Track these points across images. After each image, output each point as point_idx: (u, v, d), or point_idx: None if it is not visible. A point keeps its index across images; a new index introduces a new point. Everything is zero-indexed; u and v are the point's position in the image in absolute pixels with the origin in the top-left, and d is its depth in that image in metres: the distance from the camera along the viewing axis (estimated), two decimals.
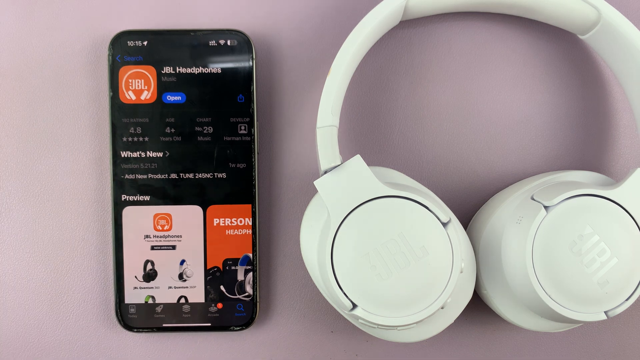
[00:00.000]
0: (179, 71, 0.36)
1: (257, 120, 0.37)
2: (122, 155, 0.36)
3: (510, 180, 0.38)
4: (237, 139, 0.37)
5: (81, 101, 0.38)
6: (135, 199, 0.36)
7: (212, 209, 0.37)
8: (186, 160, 0.36)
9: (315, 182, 0.31)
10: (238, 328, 0.37)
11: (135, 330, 0.37)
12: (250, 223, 0.37)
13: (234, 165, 0.37)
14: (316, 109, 0.37)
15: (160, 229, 0.37)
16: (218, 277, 0.37)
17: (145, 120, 0.36)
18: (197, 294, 0.37)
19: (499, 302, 0.34)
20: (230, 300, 0.37)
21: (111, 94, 0.36)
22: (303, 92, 0.38)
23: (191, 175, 0.37)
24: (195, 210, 0.37)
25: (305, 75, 0.38)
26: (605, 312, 0.31)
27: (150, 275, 0.37)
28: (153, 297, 0.37)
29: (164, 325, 0.37)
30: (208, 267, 0.37)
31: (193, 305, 0.37)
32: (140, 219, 0.37)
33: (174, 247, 0.37)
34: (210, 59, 0.36)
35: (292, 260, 0.38)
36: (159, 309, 0.37)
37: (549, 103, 0.38)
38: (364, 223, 0.31)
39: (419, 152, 0.38)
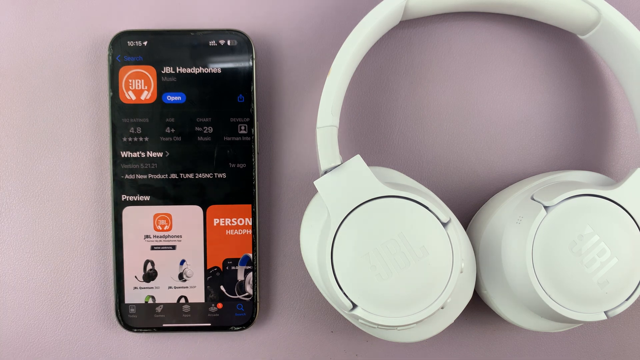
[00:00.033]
0: (179, 71, 0.36)
1: (257, 120, 0.37)
2: (122, 155, 0.36)
3: (510, 180, 0.38)
4: (237, 139, 0.37)
5: (81, 101, 0.38)
6: (135, 199, 0.36)
7: (212, 209, 0.37)
8: (186, 160, 0.36)
9: (315, 182, 0.31)
10: (238, 328, 0.37)
11: (135, 330, 0.37)
12: (250, 223, 0.37)
13: (234, 165, 0.37)
14: (316, 109, 0.37)
15: (160, 229, 0.37)
16: (218, 277, 0.37)
17: (145, 120, 0.36)
18: (197, 294, 0.37)
19: (499, 302, 0.34)
20: (230, 300, 0.37)
21: (111, 94, 0.36)
22: (303, 92, 0.38)
23: (191, 175, 0.37)
24: (195, 210, 0.37)
25: (305, 75, 0.38)
26: (605, 312, 0.31)
27: (150, 275, 0.37)
28: (153, 297, 0.37)
29: (164, 325, 0.37)
30: (208, 267, 0.37)
31: (193, 305, 0.37)
32: (140, 219, 0.37)
33: (174, 247, 0.37)
34: (210, 59, 0.36)
35: (292, 260, 0.38)
36: (159, 309, 0.37)
37: (549, 103, 0.38)
38: (364, 223, 0.31)
39: (419, 152, 0.38)
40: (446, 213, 0.33)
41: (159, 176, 0.36)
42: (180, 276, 0.37)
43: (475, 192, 0.38)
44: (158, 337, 0.38)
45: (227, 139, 0.36)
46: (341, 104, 0.33)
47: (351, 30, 0.33)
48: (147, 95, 0.36)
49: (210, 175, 0.37)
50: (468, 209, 0.38)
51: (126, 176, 0.36)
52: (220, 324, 0.37)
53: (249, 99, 0.36)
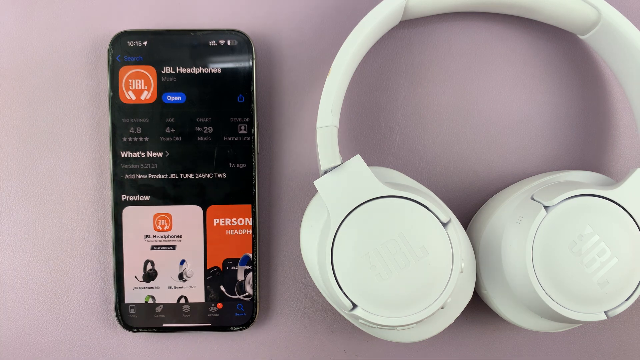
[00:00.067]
0: (179, 71, 0.36)
1: (257, 120, 0.37)
2: (122, 155, 0.36)
3: (510, 180, 0.38)
4: (237, 139, 0.37)
5: (81, 101, 0.38)
6: (135, 199, 0.36)
7: (212, 209, 0.37)
8: (186, 160, 0.36)
9: (315, 182, 0.31)
10: (238, 328, 0.37)
11: (135, 330, 0.37)
12: (250, 223, 0.37)
13: (234, 165, 0.37)
14: (316, 109, 0.37)
15: (160, 229, 0.37)
16: (218, 277, 0.37)
17: (145, 120, 0.36)
18: (197, 294, 0.37)
19: (499, 302, 0.34)
20: (230, 300, 0.37)
21: (111, 94, 0.36)
22: (303, 92, 0.38)
23: (191, 175, 0.37)
24: (195, 210, 0.37)
25: (305, 75, 0.38)
26: (605, 312, 0.31)
27: (150, 275, 0.37)
28: (153, 297, 0.37)
29: (164, 325, 0.37)
30: (208, 267, 0.37)
31: (193, 305, 0.37)
32: (140, 219, 0.37)
33: (174, 247, 0.37)
34: (210, 59, 0.36)
35: (292, 260, 0.38)
36: (159, 309, 0.37)
37: (549, 103, 0.38)
38: (364, 223, 0.31)
39: (419, 152, 0.38)
40: (446, 213, 0.33)
41: (159, 176, 0.36)
42: (180, 276, 0.37)
43: (475, 192, 0.38)
44: (158, 337, 0.38)
45: (227, 139, 0.36)
46: (341, 104, 0.33)
47: (351, 30, 0.33)
48: (147, 95, 0.36)
49: (210, 175, 0.37)
50: (468, 209, 0.38)
51: (126, 176, 0.36)
52: (220, 324, 0.37)
53: (249, 99, 0.36)
